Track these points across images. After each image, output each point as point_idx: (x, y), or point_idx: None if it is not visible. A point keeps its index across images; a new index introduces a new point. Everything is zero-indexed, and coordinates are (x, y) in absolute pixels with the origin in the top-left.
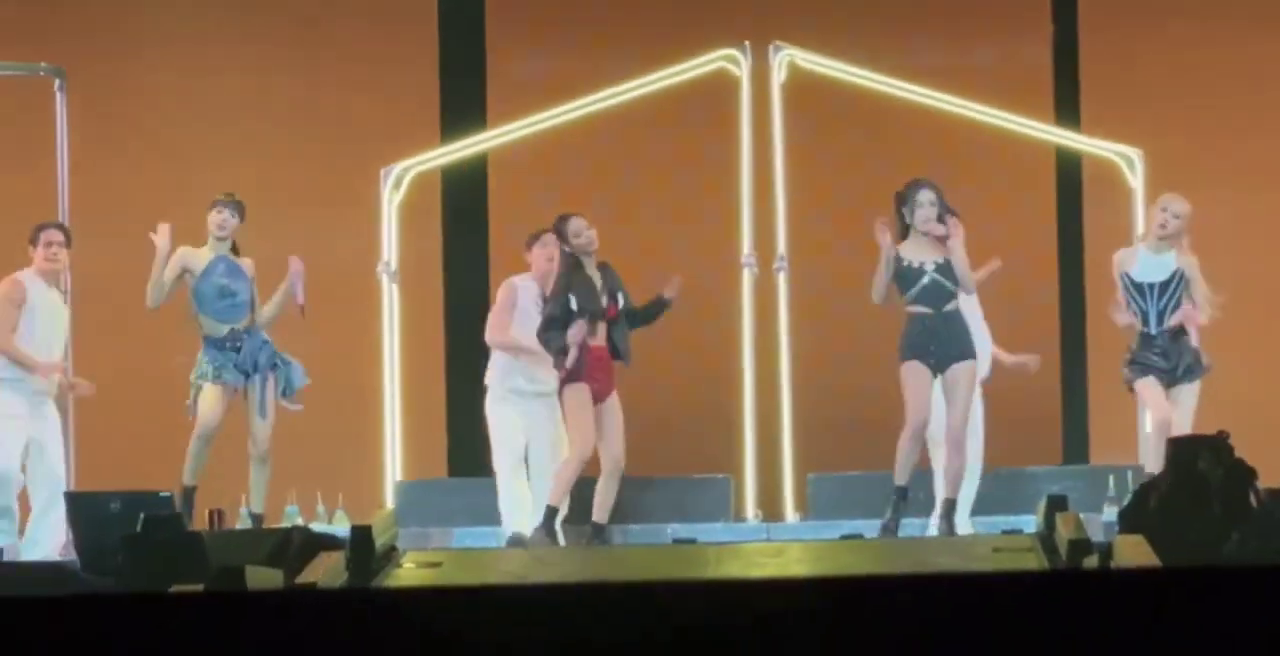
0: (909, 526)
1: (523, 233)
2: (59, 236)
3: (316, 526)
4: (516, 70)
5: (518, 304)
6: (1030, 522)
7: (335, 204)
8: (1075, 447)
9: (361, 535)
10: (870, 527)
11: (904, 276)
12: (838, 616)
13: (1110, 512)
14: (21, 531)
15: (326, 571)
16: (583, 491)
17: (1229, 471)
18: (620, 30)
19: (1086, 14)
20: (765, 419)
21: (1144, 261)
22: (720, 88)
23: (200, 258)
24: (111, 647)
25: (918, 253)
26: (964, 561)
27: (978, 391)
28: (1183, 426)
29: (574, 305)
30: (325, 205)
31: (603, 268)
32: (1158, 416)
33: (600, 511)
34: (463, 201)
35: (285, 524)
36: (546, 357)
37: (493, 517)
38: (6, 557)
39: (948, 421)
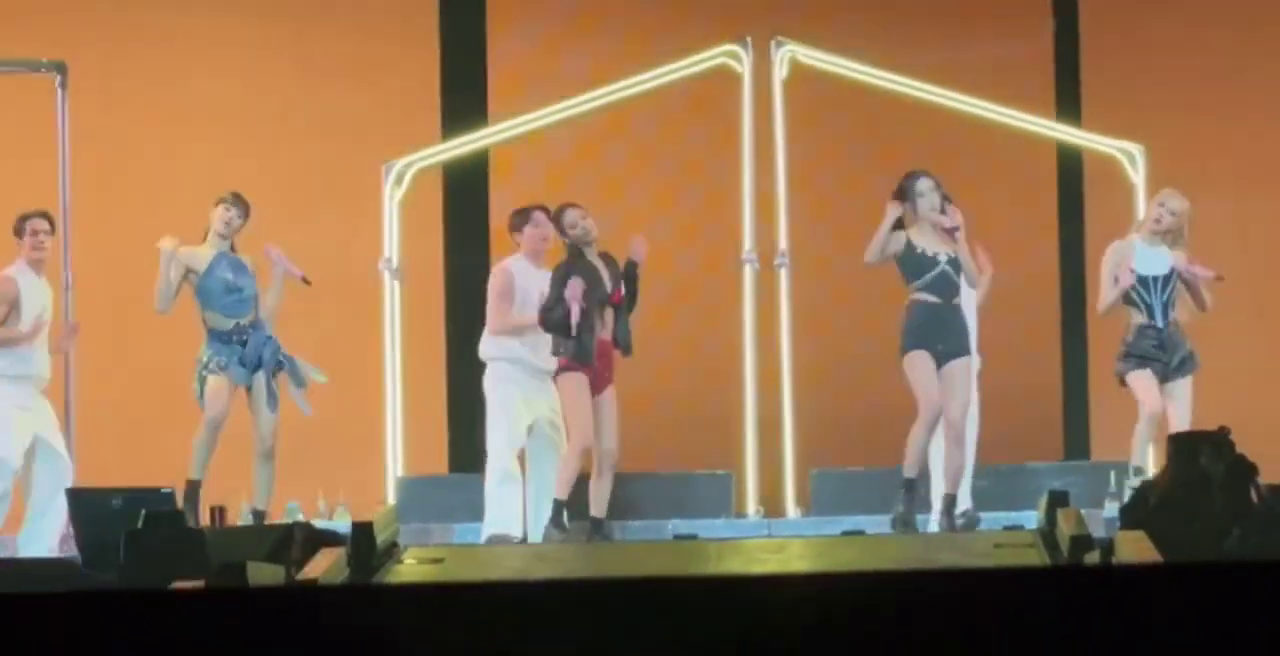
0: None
1: None
2: (44, 224)
3: (318, 522)
4: (518, 66)
5: (516, 286)
6: (1032, 518)
7: (336, 200)
8: (1077, 443)
9: (363, 531)
10: (872, 523)
11: (917, 263)
12: (839, 612)
13: (1111, 508)
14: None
15: (328, 568)
16: (579, 487)
17: (1230, 467)
18: (622, 26)
19: (1087, 9)
20: (767, 415)
21: (1143, 255)
22: (722, 84)
23: (201, 255)
24: (113, 644)
25: (931, 242)
26: (965, 557)
27: (974, 385)
28: (1183, 421)
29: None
30: (326, 201)
31: (604, 256)
32: (1150, 409)
33: (597, 506)
34: (464, 197)
35: (286, 520)
36: (548, 339)
37: None
38: (5, 553)
39: (948, 417)
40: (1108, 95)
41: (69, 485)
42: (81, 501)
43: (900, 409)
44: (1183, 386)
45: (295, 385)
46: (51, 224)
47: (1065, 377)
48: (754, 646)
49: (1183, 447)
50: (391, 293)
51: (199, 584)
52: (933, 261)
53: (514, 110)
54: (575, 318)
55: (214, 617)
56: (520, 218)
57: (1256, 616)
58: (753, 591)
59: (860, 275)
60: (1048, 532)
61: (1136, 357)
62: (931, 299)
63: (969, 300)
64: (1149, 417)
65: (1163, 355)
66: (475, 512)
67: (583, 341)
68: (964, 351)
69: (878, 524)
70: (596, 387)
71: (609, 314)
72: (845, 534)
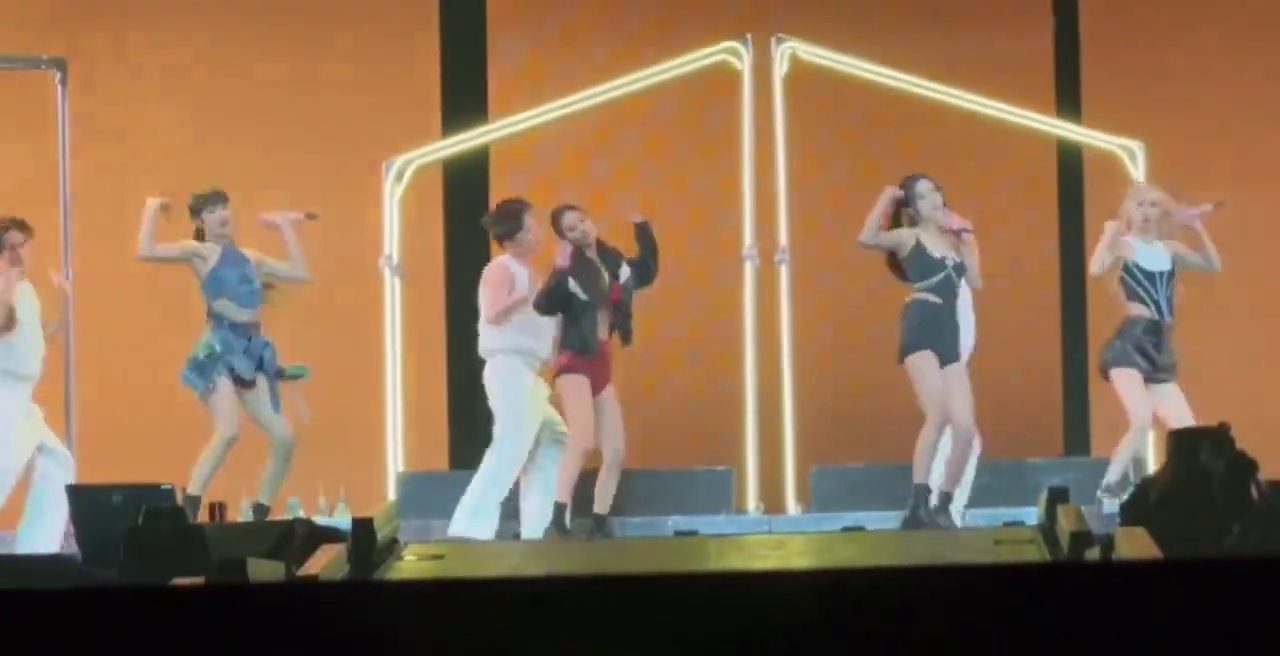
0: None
1: None
2: (18, 237)
3: (318, 519)
4: (518, 63)
5: (513, 280)
6: (1031, 514)
7: (337, 197)
8: (1077, 439)
9: (363, 527)
10: (872, 519)
11: (925, 265)
12: (839, 609)
13: (1111, 505)
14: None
15: (328, 564)
16: (583, 483)
17: (1230, 463)
18: (622, 23)
19: (1087, 7)
20: (767, 411)
21: (1142, 251)
22: (722, 80)
23: (209, 248)
24: (114, 640)
25: (938, 245)
26: (965, 553)
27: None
28: (1184, 420)
29: (582, 294)
30: (327, 198)
31: (600, 247)
32: (1140, 417)
33: (601, 503)
34: (464, 194)
35: (287, 516)
36: (549, 329)
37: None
38: (4, 550)
39: (955, 418)
40: (1108, 94)
41: (70, 480)
42: (81, 498)
43: (901, 406)
44: (1173, 388)
45: (280, 374)
46: (26, 231)
47: (1065, 374)
48: (754, 643)
49: (1183, 444)
50: (392, 289)
51: (199, 580)
52: (940, 264)
53: (514, 107)
54: (575, 288)
55: (214, 614)
56: (511, 224)
57: (1256, 612)
58: (753, 588)
59: (861, 272)
60: (1048, 529)
61: (1128, 353)
62: (934, 299)
63: (966, 301)
64: (1139, 431)
65: (1157, 354)
66: None
67: (584, 332)
68: (959, 355)
69: (878, 520)
70: (596, 388)
71: (607, 314)
72: (845, 530)
